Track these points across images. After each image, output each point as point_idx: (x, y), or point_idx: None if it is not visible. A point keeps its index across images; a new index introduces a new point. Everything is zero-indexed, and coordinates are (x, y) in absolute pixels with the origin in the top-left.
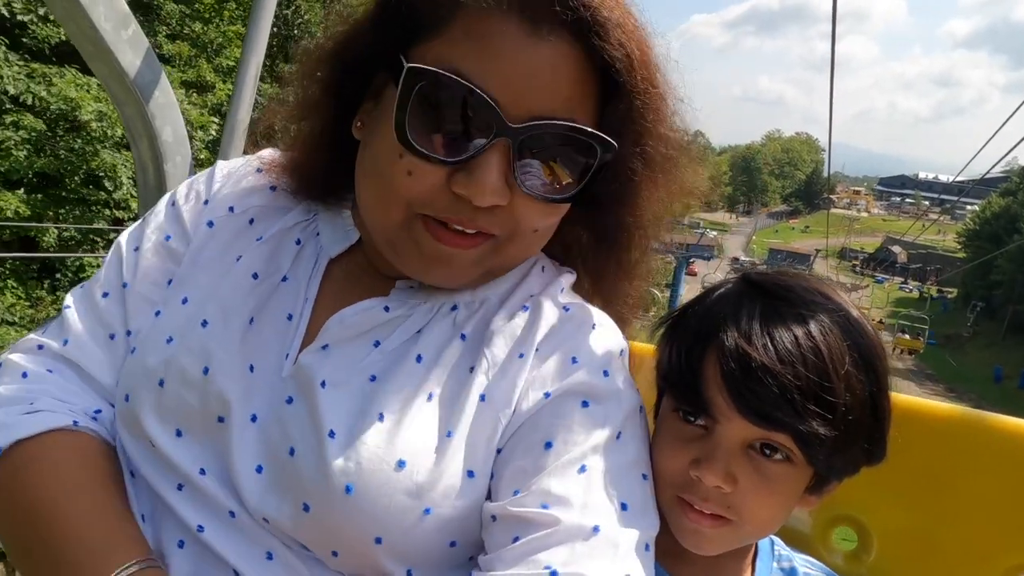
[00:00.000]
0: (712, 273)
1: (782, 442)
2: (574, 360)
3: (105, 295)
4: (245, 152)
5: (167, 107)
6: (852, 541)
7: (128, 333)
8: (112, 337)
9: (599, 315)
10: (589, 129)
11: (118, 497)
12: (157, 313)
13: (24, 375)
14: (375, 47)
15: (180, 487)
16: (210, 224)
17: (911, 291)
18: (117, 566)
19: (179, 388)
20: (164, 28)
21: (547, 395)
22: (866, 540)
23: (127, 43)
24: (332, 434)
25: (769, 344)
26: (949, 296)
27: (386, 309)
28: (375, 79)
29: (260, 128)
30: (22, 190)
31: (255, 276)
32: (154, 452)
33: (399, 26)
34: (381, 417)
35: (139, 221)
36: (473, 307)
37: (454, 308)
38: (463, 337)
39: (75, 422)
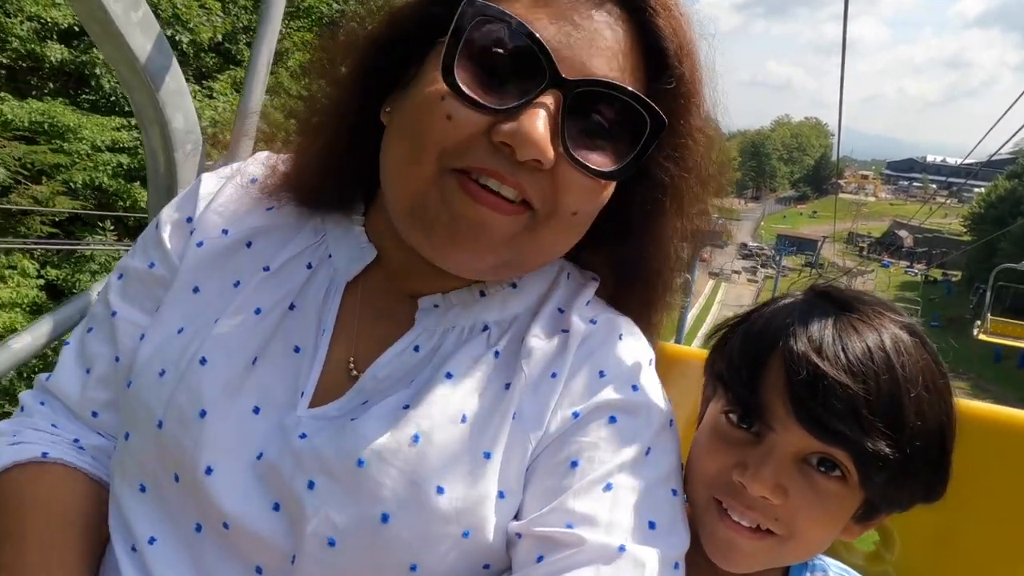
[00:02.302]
0: (730, 262)
1: (840, 459)
2: (601, 374)
3: (90, 330)
4: (256, 142)
5: (178, 94)
6: (874, 541)
7: (117, 359)
8: (88, 372)
9: (625, 324)
10: (643, 97)
11: (64, 540)
12: (142, 338)
13: (22, 408)
14: (420, 26)
15: (199, 527)
16: (200, 244)
17: (916, 275)
18: None
19: (176, 430)
20: (244, 36)
21: (575, 415)
22: (888, 540)
23: (137, 26)
24: (361, 463)
25: (841, 354)
26: (953, 279)
27: (416, 349)
28: (410, 69)
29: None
30: (137, 183)
31: (257, 311)
32: (157, 493)
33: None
34: (416, 439)
35: (133, 247)
36: (504, 325)
37: (485, 328)
38: (496, 355)
39: (44, 453)
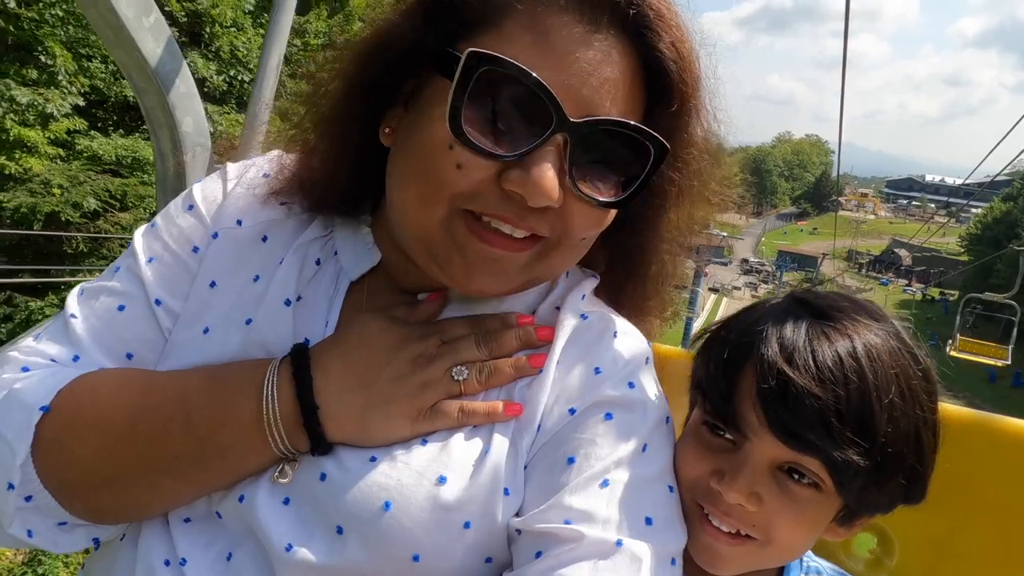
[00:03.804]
0: (735, 278)
1: (812, 468)
2: (597, 371)
3: (121, 308)
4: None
5: (188, 97)
6: (873, 545)
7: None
8: (129, 356)
9: (621, 322)
10: (647, 129)
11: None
12: (169, 332)
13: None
14: (412, 46)
15: (187, 520)
16: (215, 236)
17: (914, 293)
18: (269, 371)
19: None
20: (285, 68)
21: (572, 411)
22: (887, 546)
23: (148, 31)
24: (373, 459)
25: (810, 362)
26: (951, 299)
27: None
28: (406, 83)
29: (267, 143)
30: None
31: (287, 303)
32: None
33: (445, 22)
34: (424, 440)
35: (151, 225)
36: None
37: None
38: None
39: (75, 356)
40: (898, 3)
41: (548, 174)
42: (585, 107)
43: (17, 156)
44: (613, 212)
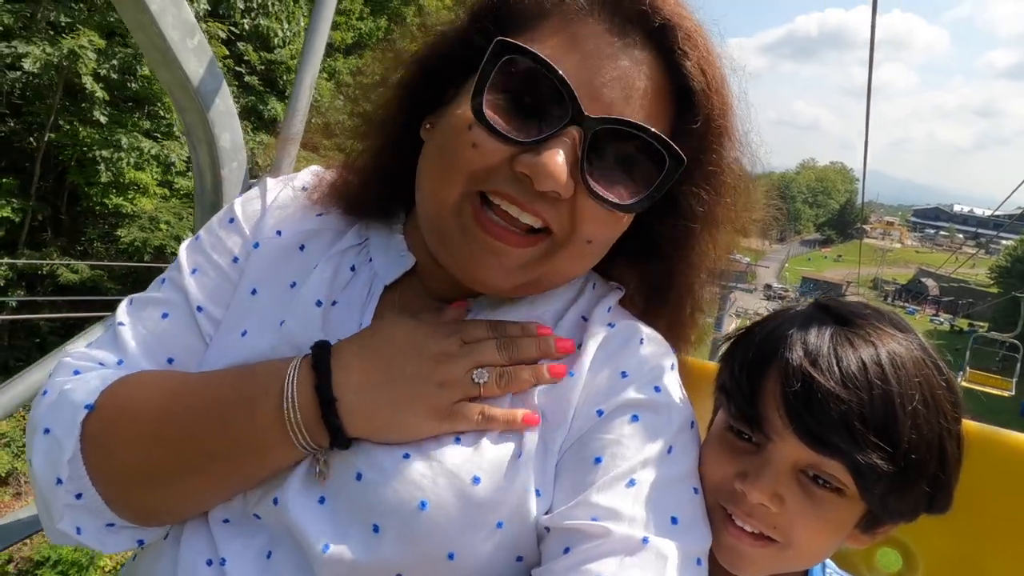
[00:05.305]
0: (763, 305)
1: (835, 472)
2: (623, 375)
3: (165, 316)
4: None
5: (226, 115)
6: (897, 562)
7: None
8: (171, 361)
9: (646, 329)
10: (663, 136)
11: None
12: (210, 338)
13: (76, 372)
14: (462, 51)
15: (226, 520)
16: (256, 246)
17: (942, 323)
18: (291, 368)
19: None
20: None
21: (599, 413)
22: (912, 563)
23: (192, 52)
24: (407, 456)
25: (835, 367)
26: (980, 330)
27: None
28: (449, 91)
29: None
30: None
31: (319, 304)
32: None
33: (486, 26)
34: (457, 439)
35: (195, 238)
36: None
37: None
38: None
39: (120, 361)
40: (927, 35)
41: (557, 159)
42: (605, 107)
43: (131, 196)
44: (625, 219)
